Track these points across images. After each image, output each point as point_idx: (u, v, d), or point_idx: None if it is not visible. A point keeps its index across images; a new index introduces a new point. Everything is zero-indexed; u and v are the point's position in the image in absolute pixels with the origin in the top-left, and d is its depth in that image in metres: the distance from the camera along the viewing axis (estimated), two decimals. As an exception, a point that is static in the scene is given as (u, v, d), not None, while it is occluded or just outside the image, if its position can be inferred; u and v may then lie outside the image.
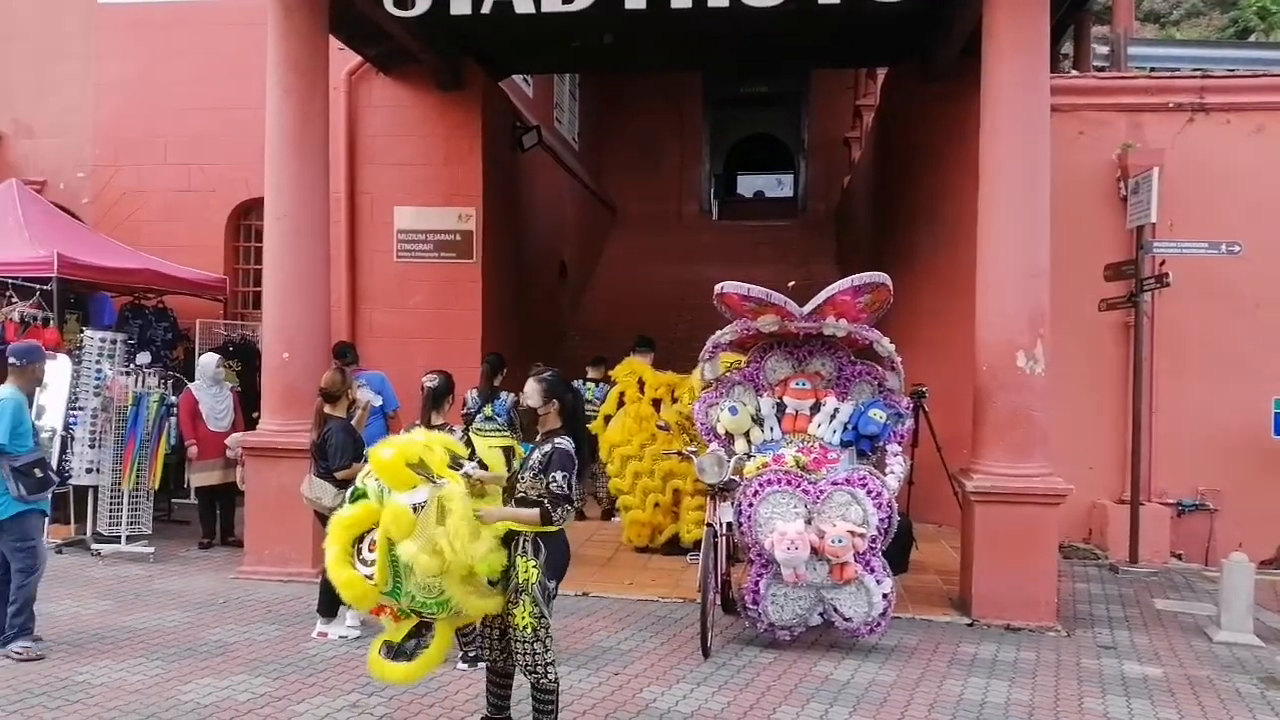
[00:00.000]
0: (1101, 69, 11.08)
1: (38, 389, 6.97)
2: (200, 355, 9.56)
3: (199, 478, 8.90)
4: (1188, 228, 9.11)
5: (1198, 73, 10.03)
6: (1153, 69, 11.46)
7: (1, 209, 9.83)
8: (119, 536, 8.56)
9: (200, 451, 8.80)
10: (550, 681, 4.55)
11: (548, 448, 4.57)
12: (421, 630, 4.64)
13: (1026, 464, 7.00)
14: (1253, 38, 20.70)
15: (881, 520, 6.17)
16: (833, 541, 6.00)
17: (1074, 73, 10.47)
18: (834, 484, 6.22)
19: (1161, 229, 9.06)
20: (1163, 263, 8.79)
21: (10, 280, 8.99)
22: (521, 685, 4.69)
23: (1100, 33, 11.74)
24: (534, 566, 4.48)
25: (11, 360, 6.17)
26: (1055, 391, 7.47)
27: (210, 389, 8.98)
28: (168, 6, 11.78)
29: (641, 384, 9.11)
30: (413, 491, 4.39)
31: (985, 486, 6.97)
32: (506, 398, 8.47)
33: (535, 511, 4.47)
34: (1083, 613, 7.36)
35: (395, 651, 4.60)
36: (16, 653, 5.81)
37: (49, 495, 6.24)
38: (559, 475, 4.46)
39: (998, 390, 7.09)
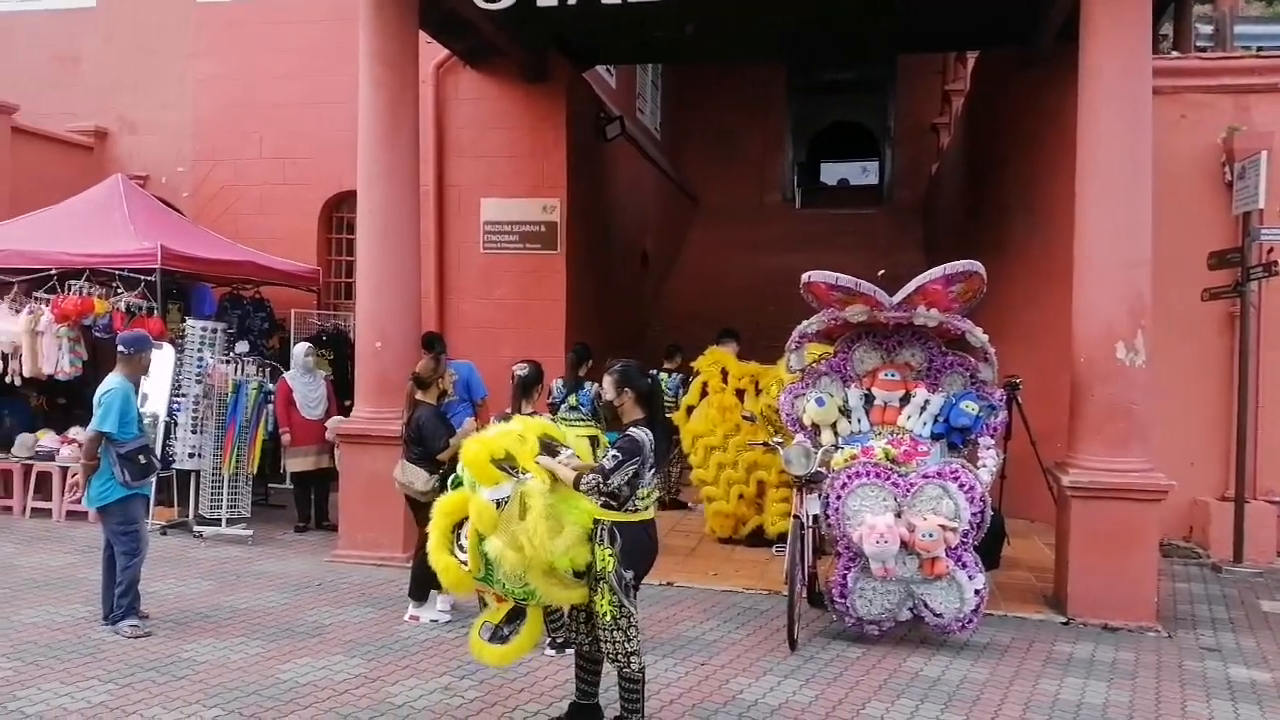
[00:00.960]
0: (1204, 49, 10.67)
1: (143, 377, 7.22)
2: (294, 345, 9.83)
3: (293, 463, 9.18)
4: (1297, 214, 8.73)
5: (1311, 51, 9.60)
6: (1260, 48, 10.99)
7: (107, 203, 10.24)
8: (219, 519, 8.88)
9: (293, 438, 9.05)
10: (634, 670, 4.57)
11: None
12: (518, 614, 4.74)
13: (1126, 459, 6.79)
14: (1368, 13, 19.66)
15: (974, 515, 6.06)
16: (923, 535, 5.91)
17: (1175, 54, 10.09)
18: (925, 477, 6.12)
19: (1270, 215, 8.68)
20: (1270, 250, 8.43)
21: (117, 272, 9.34)
22: (610, 673, 4.72)
23: (1203, 12, 11.31)
24: (610, 555, 4.50)
25: (121, 349, 6.42)
26: (1155, 384, 7.23)
27: (303, 377, 9.22)
28: (263, 4, 12.10)
29: (725, 374, 9.09)
30: (496, 487, 4.47)
31: (1083, 481, 6.78)
32: (590, 388, 8.51)
33: (571, 473, 4.48)
34: (1184, 613, 7.13)
35: (493, 633, 4.71)
36: (126, 631, 6.06)
37: (152, 481, 6.46)
38: (612, 452, 4.50)
39: (1096, 382, 6.89)
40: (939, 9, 9.84)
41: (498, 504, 4.44)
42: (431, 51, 10.83)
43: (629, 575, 4.54)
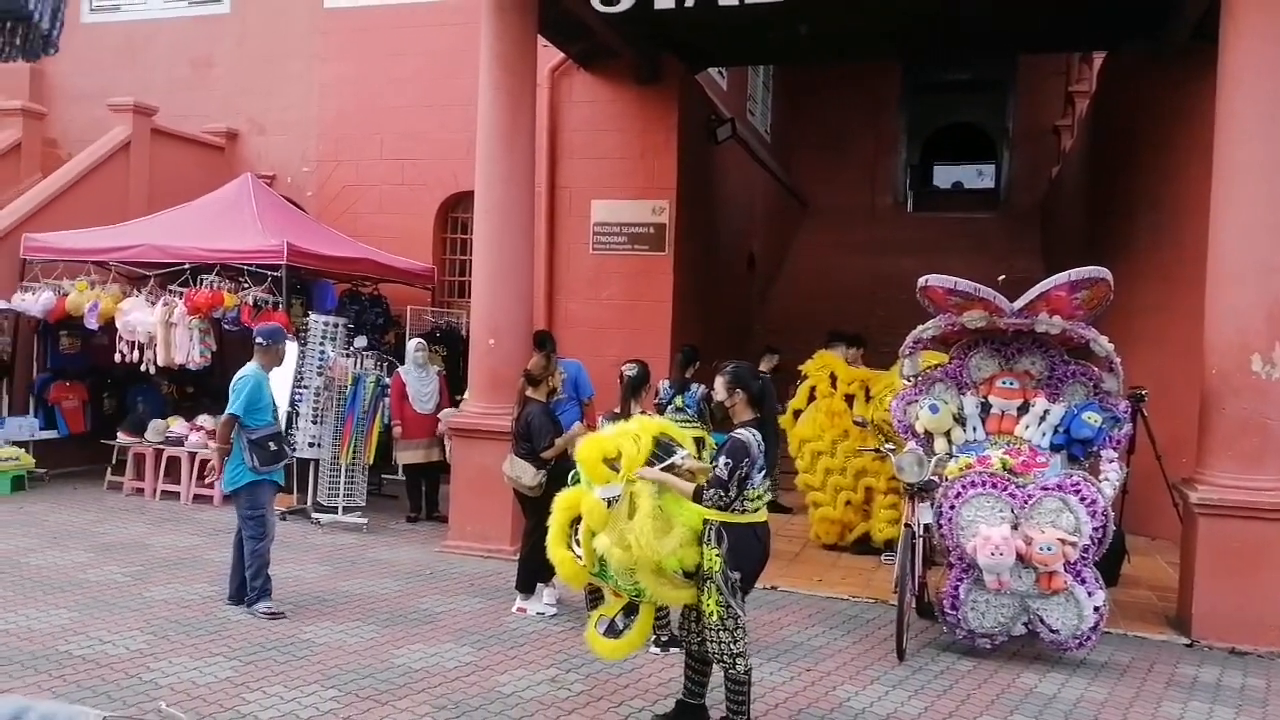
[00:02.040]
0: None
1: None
2: (409, 340, 10.10)
3: (403, 456, 9.42)
4: None
5: None
6: None
7: (237, 201, 10.71)
8: (336, 507, 9.19)
9: (405, 431, 9.29)
10: (740, 672, 4.56)
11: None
12: (633, 610, 4.82)
13: (1259, 476, 6.46)
14: None
15: (1096, 530, 5.85)
16: (1041, 549, 5.73)
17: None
18: (1044, 489, 5.94)
19: None
20: None
21: (245, 267, 9.76)
22: (718, 674, 4.72)
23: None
24: (716, 555, 4.51)
25: (258, 340, 6.69)
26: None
27: (416, 372, 9.46)
28: (386, 9, 12.50)
29: (834, 379, 8.98)
30: (607, 486, 4.55)
31: (1212, 499, 6.48)
32: (697, 389, 8.50)
33: (689, 486, 4.55)
34: (1320, 641, 6.75)
35: (609, 627, 4.81)
36: (262, 611, 6.32)
37: (281, 468, 6.69)
38: (722, 459, 4.51)
39: (1228, 395, 6.58)
40: (1066, 6, 9.55)
41: (608, 502, 4.53)
42: (547, 55, 10.98)
43: (736, 576, 4.54)
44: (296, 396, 9.23)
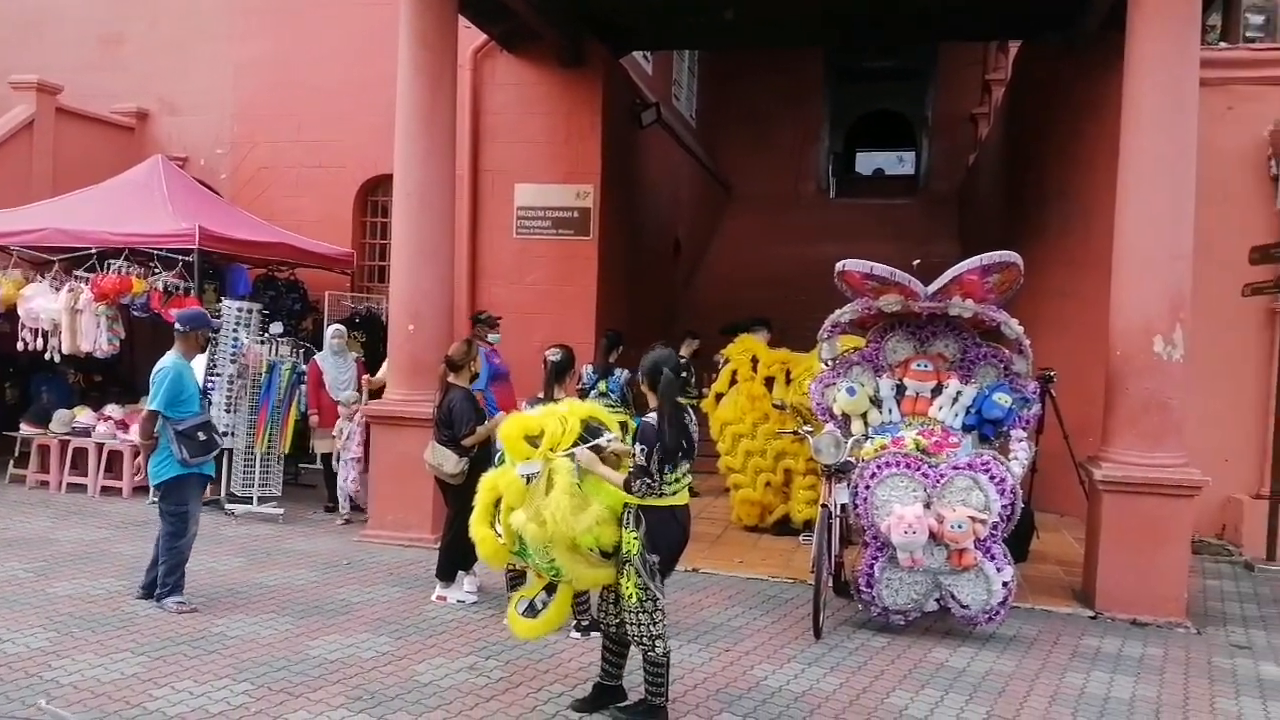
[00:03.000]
0: (1253, 40, 10.44)
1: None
2: (327, 327, 9.90)
3: (320, 445, 9.24)
4: (1345, 209, 8.55)
5: (1363, 43, 9.38)
6: (1312, 40, 10.74)
7: (147, 184, 10.38)
8: (251, 498, 9.00)
9: (322, 419, 9.11)
10: (659, 654, 4.60)
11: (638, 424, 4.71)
12: (554, 590, 4.89)
13: (1160, 454, 6.71)
14: None
15: (1004, 507, 6.01)
16: (952, 527, 5.87)
17: (1223, 45, 9.90)
18: (955, 468, 6.08)
19: (1316, 210, 8.53)
20: (1315, 246, 8.27)
21: (155, 251, 9.46)
22: (636, 656, 4.74)
23: (1253, 2, 11.06)
24: (635, 538, 4.56)
25: (177, 327, 6.43)
26: (1192, 379, 7.13)
27: (333, 359, 9.27)
28: (304, -11, 12.19)
29: (755, 362, 9.06)
30: (527, 463, 4.61)
31: (1115, 476, 6.71)
32: (621, 374, 8.52)
33: (620, 476, 4.60)
34: (1214, 610, 7.05)
35: (528, 607, 4.88)
36: (171, 607, 6.13)
37: (211, 459, 6.43)
38: (638, 448, 4.57)
39: (1132, 376, 6.80)
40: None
41: (527, 479, 4.60)
42: (469, 36, 10.83)
43: (654, 559, 4.57)
44: (209, 384, 8.98)
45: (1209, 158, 8.34)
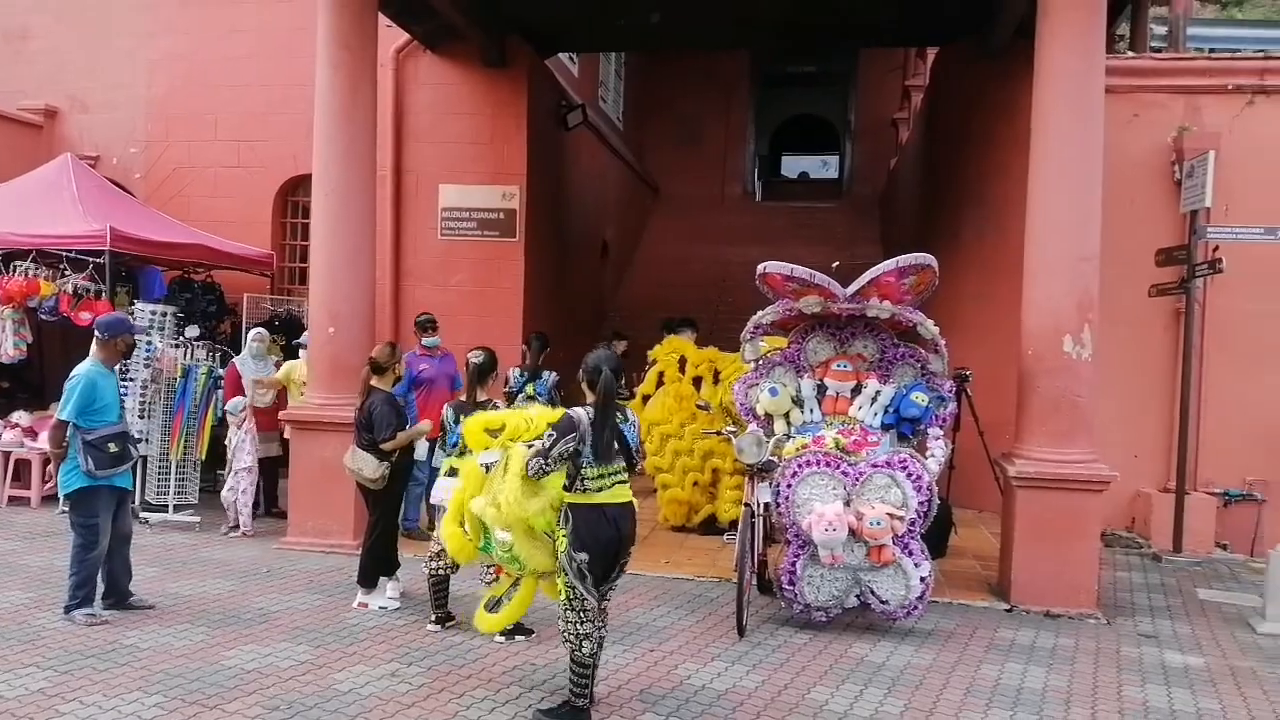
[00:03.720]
0: (1158, 50, 10.83)
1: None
2: (247, 330, 9.68)
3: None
4: (1243, 213, 8.90)
5: (1259, 54, 9.77)
6: (1212, 50, 11.19)
7: (56, 183, 10.03)
8: (166, 505, 8.77)
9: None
10: (584, 655, 4.61)
11: None
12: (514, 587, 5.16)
13: (1070, 450, 6.91)
14: (1317, 18, 20.07)
15: (921, 504, 6.13)
16: (871, 524, 5.97)
17: (1130, 54, 10.25)
18: (874, 466, 6.19)
19: (1216, 214, 8.86)
20: (1216, 249, 8.59)
21: (64, 253, 9.16)
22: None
23: (1159, 13, 11.48)
24: (564, 535, 4.61)
25: (96, 333, 6.22)
26: (1102, 378, 7.36)
27: (253, 363, 9.05)
28: (220, -17, 11.92)
29: (683, 363, 9.12)
30: (487, 452, 5.01)
31: (1028, 472, 6.90)
32: (549, 376, 8.50)
33: (521, 455, 4.77)
34: (1124, 601, 7.28)
35: (495, 604, 5.17)
36: (81, 620, 5.94)
37: (125, 470, 6.21)
38: (548, 432, 4.66)
39: (1043, 375, 7.00)
40: (900, 1, 9.93)
41: (487, 468, 4.97)
42: (391, 35, 10.72)
43: (582, 557, 4.56)
44: (122, 390, 8.71)
45: (1116, 163, 8.65)
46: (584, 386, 4.82)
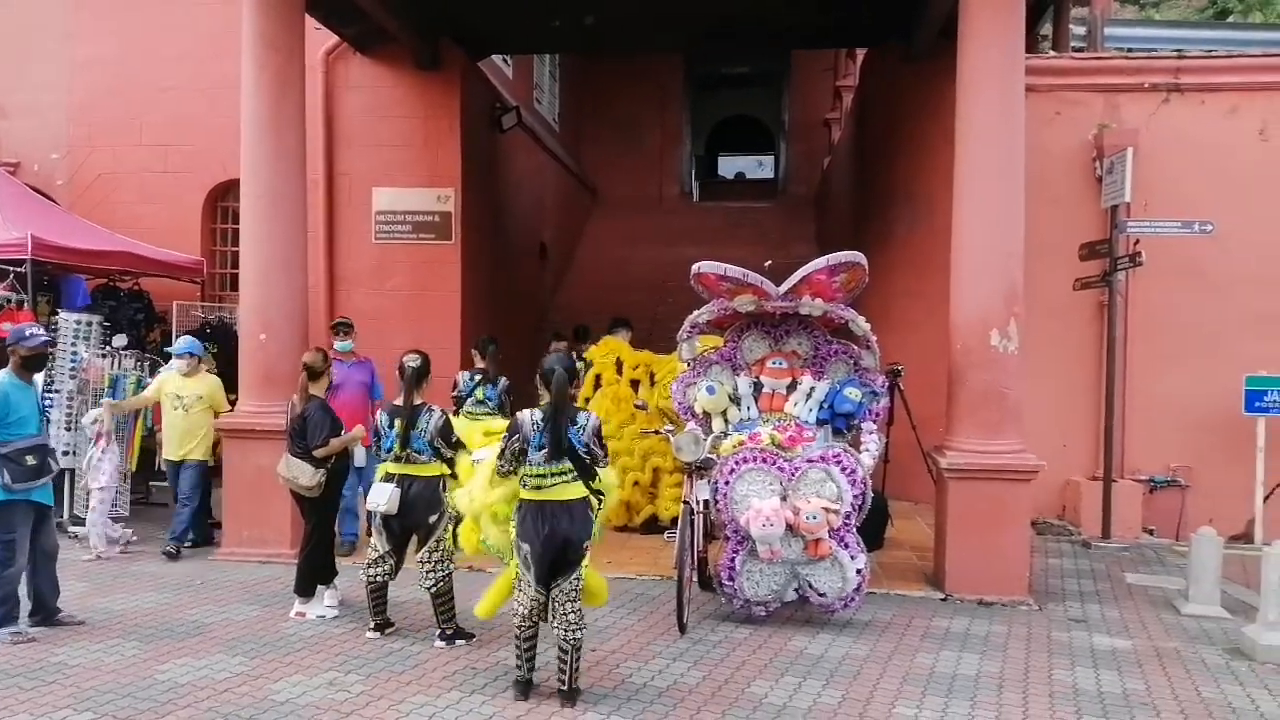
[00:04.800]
0: (1079, 50, 11.11)
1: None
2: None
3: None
4: (1162, 207, 9.18)
5: (1174, 53, 10.07)
6: (1130, 50, 11.51)
7: (-27, 190, 9.75)
8: (96, 519, 8.54)
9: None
10: (516, 626, 5.05)
11: None
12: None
13: (999, 441, 7.07)
14: (1231, 18, 20.77)
15: (856, 497, 6.24)
16: (807, 518, 6.06)
17: (1051, 53, 10.51)
18: (809, 461, 6.27)
19: (1136, 209, 9.13)
20: (1137, 242, 8.85)
21: (-17, 263, 8.90)
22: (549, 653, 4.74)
23: (1079, 14, 11.78)
24: (512, 526, 5.11)
25: (10, 344, 6.05)
26: (1030, 370, 7.55)
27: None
28: (145, -15, 11.67)
29: (619, 365, 9.14)
30: (480, 449, 5.65)
31: (958, 464, 7.04)
32: (501, 381, 8.45)
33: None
34: (1054, 587, 7.47)
35: None
36: (5, 639, 5.77)
37: (45, 484, 6.04)
38: (506, 435, 5.17)
39: (971, 369, 7.15)
40: (826, 3, 10.06)
41: (475, 462, 5.57)
42: (321, 38, 10.61)
43: (525, 548, 4.99)
44: (47, 402, 8.50)
45: (1040, 160, 8.89)
46: (540, 388, 5.13)
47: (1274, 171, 9.34)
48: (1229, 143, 9.42)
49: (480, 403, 8.26)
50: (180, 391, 8.22)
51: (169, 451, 8.31)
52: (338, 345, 8.33)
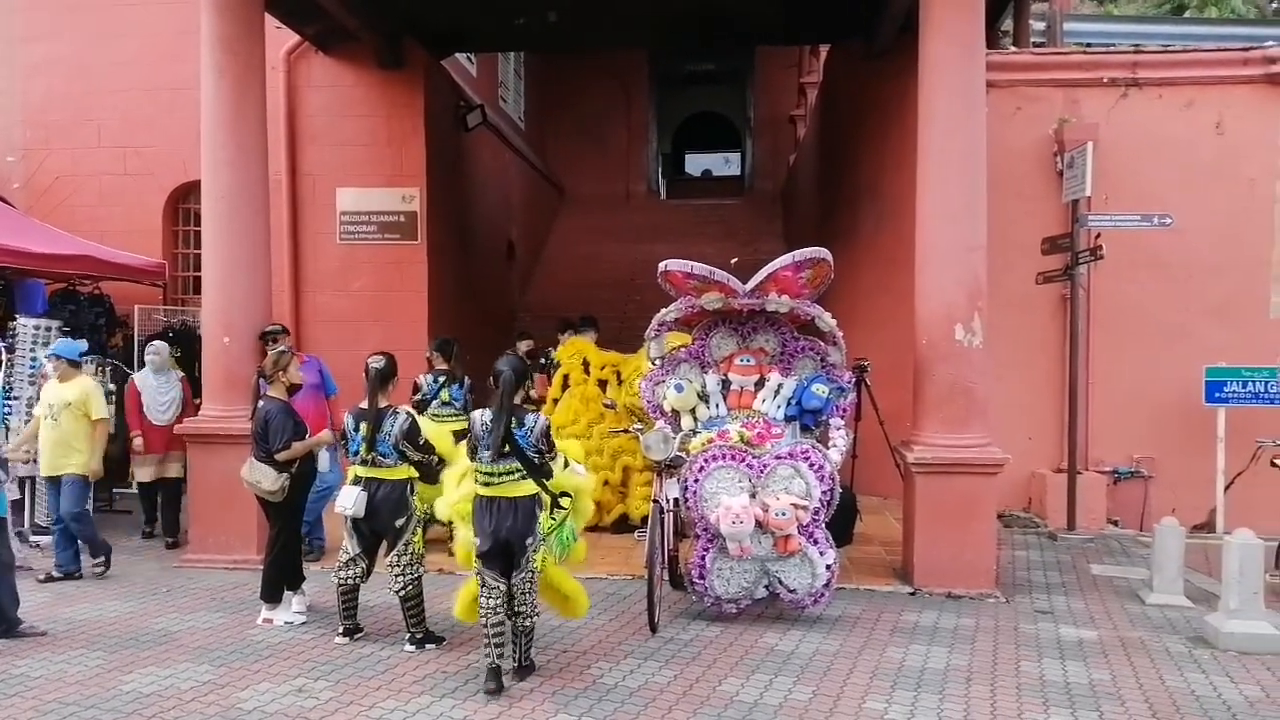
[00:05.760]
0: (1039, 45, 11.22)
1: None
2: (141, 342, 9.32)
3: (141, 472, 8.62)
4: (1122, 201, 9.29)
5: (1131, 48, 10.19)
6: (1089, 45, 11.63)
7: (-74, 195, 9.57)
8: (58, 527, 8.41)
9: (146, 444, 8.48)
10: (482, 622, 5.22)
11: None
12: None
13: (965, 435, 7.12)
14: (1187, 13, 21.08)
15: (824, 493, 6.25)
16: (776, 514, 6.07)
17: (1012, 49, 10.61)
18: (777, 458, 6.28)
19: (1096, 202, 9.23)
20: (1098, 236, 8.96)
21: (-63, 268, 8.74)
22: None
23: (1039, 9, 11.90)
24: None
25: None
26: (995, 364, 7.61)
27: (155, 378, 8.59)
28: (100, -15, 11.50)
29: (586, 364, 9.12)
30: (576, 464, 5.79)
31: (925, 458, 7.09)
32: (465, 381, 8.40)
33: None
34: (1021, 579, 7.54)
35: None
36: None
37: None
38: None
39: (936, 363, 7.20)
40: (789, 3, 10.09)
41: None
42: (282, 37, 10.52)
43: (478, 543, 5.25)
44: (5, 409, 8.36)
45: (1002, 155, 8.95)
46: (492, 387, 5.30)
47: (1231, 164, 9.47)
48: (1187, 136, 9.54)
49: (446, 404, 8.22)
50: (50, 399, 7.50)
51: (43, 467, 7.57)
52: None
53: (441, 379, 8.32)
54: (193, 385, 9.33)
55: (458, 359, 8.47)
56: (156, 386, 8.61)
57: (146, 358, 8.75)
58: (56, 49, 11.54)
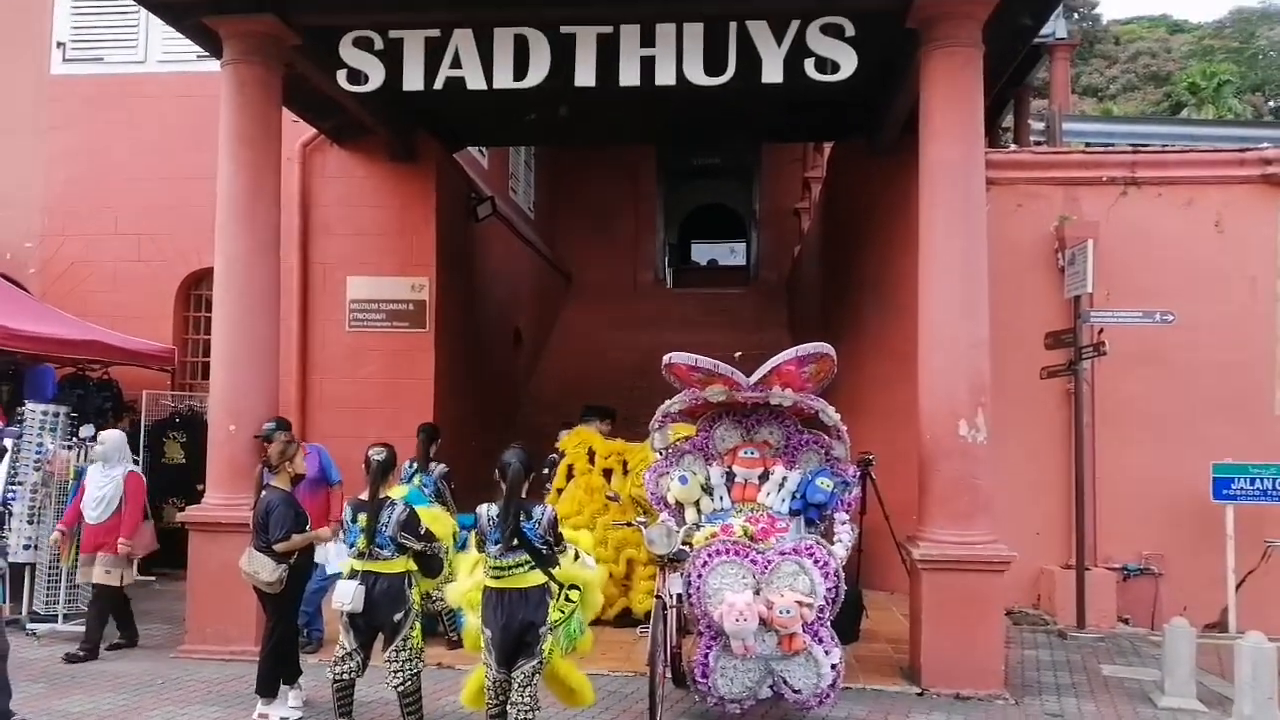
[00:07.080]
0: (1039, 143, 11.47)
1: None
2: (147, 428, 9.33)
3: (81, 573, 8.01)
4: (1123, 297, 9.37)
5: (1130, 148, 10.41)
6: (1088, 144, 11.89)
7: (-58, 280, 9.73)
8: (56, 615, 8.34)
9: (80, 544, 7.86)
10: (486, 708, 5.37)
11: None
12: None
13: (971, 531, 7.07)
14: (1184, 113, 21.56)
15: (829, 590, 6.17)
16: (780, 612, 5.98)
17: (1013, 147, 10.84)
18: (781, 554, 6.22)
19: (1099, 298, 9.31)
20: (1100, 331, 9.02)
21: (-50, 353, 8.84)
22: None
23: (1039, 108, 12.22)
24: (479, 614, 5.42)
25: None
26: (1001, 458, 7.58)
27: (99, 470, 7.92)
28: (121, 79, 11.86)
29: (592, 454, 9.11)
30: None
31: (931, 555, 7.02)
32: (436, 469, 8.37)
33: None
34: (1031, 679, 7.39)
35: None
36: None
37: None
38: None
39: (941, 458, 7.18)
40: (792, 100, 10.33)
41: None
42: (298, 130, 10.78)
43: (486, 633, 5.31)
44: (10, 495, 8.35)
45: (1004, 251, 9.07)
46: (498, 480, 5.37)
47: (1231, 262, 9.59)
48: (1187, 234, 9.66)
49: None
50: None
51: None
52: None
53: (415, 465, 8.32)
54: (196, 472, 9.31)
55: (422, 445, 8.40)
56: (94, 480, 7.91)
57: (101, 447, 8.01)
58: (77, 138, 11.85)
